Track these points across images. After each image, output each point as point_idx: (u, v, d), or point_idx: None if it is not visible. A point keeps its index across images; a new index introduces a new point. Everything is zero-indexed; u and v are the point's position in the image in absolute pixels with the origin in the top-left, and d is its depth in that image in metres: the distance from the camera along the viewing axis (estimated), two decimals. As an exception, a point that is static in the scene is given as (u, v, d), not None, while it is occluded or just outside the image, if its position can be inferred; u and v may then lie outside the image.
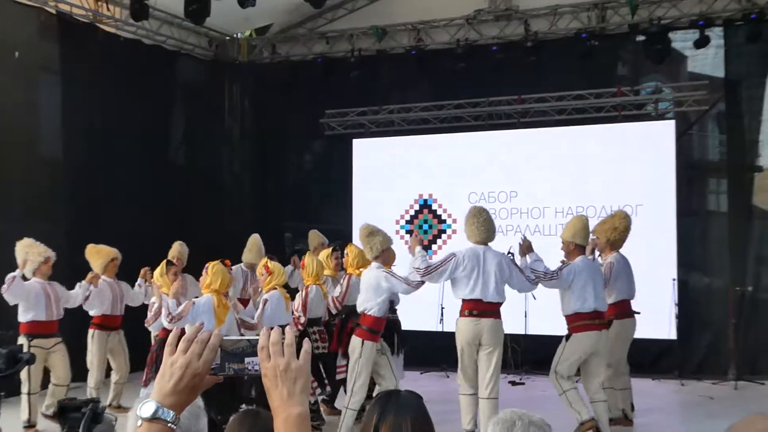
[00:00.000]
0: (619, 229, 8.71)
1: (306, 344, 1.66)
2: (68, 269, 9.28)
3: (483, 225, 7.72)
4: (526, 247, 7.94)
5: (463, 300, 7.66)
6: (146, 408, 1.62)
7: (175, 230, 11.51)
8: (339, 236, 12.96)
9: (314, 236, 11.03)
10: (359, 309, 7.85)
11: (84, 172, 11.29)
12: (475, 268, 7.58)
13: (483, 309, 7.58)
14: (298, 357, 1.65)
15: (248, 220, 13.59)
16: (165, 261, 8.21)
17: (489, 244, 7.77)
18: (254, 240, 10.36)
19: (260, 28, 14.34)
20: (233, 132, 14.54)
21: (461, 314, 7.69)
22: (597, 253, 8.65)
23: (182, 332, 1.68)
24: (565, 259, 8.14)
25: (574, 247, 8.01)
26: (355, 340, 7.75)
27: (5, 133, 10.33)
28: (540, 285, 7.99)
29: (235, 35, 14.27)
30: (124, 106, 11.81)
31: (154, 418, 1.61)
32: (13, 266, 8.37)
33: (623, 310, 8.62)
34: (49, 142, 11.31)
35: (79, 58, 11.27)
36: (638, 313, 8.84)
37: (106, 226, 10.84)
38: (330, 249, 9.48)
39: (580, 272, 7.82)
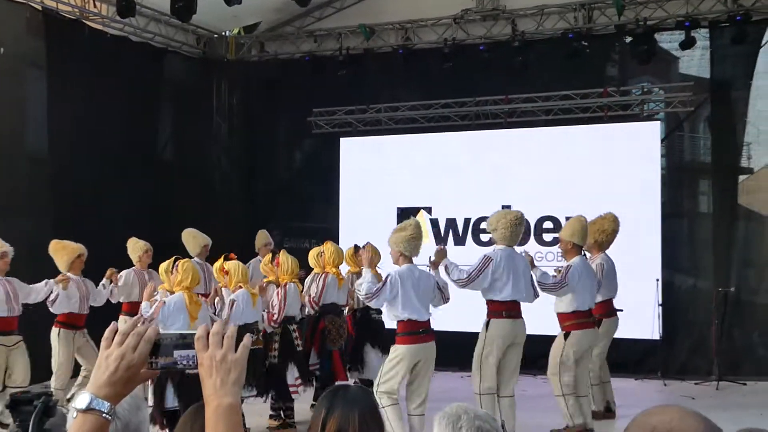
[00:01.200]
0: (607, 231, 8.85)
1: (246, 339, 1.69)
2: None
3: (521, 233, 7.80)
4: (530, 262, 7.98)
5: (497, 301, 7.58)
6: (81, 399, 1.64)
7: (162, 228, 11.51)
8: (326, 234, 12.96)
9: (261, 236, 11.12)
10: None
11: (69, 169, 11.25)
12: (511, 270, 7.56)
13: (517, 309, 7.65)
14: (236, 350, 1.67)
15: (237, 217, 13.61)
16: (174, 258, 7.88)
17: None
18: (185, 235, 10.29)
19: (248, 26, 14.34)
20: (221, 130, 14.53)
21: (495, 315, 7.59)
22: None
23: (117, 326, 1.72)
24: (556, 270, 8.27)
25: (572, 247, 8.15)
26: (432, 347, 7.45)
27: (-10, 129, 10.32)
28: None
29: (223, 33, 14.27)
30: (111, 103, 11.77)
31: (88, 409, 1.63)
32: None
33: (609, 309, 8.86)
34: (35, 139, 11.27)
35: (65, 54, 11.25)
36: (621, 310, 9.03)
37: (92, 224, 10.82)
38: (353, 248, 9.48)
39: (580, 272, 7.93)
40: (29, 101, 11.23)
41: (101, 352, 1.69)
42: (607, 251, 8.92)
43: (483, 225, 8.17)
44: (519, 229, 7.69)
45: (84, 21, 11.61)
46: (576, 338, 7.96)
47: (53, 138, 11.21)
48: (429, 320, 7.36)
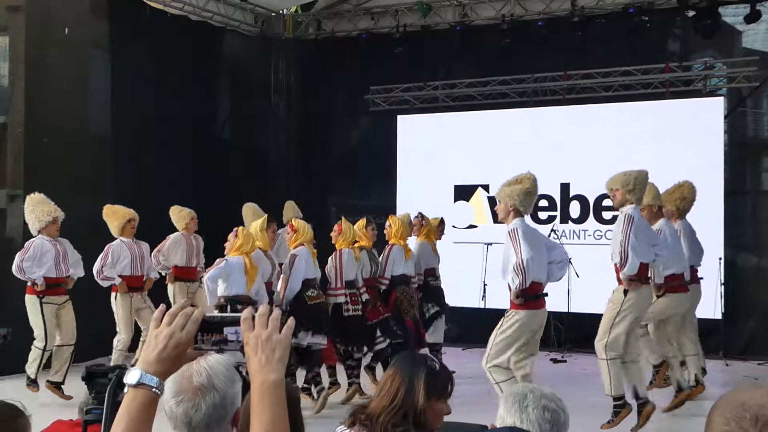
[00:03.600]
0: (687, 198, 8.80)
1: (290, 321, 1.75)
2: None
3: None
4: None
5: (646, 277, 7.17)
6: (131, 375, 1.74)
7: (221, 205, 11.67)
8: (383, 212, 12.99)
9: (290, 208, 11.28)
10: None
11: (132, 147, 11.46)
12: (642, 231, 7.18)
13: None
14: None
15: (294, 195, 13.63)
16: (266, 217, 8.36)
17: None
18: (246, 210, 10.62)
19: (306, 4, 14.34)
20: (279, 108, 14.63)
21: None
22: None
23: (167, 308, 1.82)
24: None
25: (657, 210, 8.02)
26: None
27: (55, 109, 10.54)
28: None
29: (280, 11, 14.31)
30: (171, 82, 11.94)
31: (138, 384, 1.73)
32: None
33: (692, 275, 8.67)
34: (98, 118, 11.48)
35: (127, 34, 11.41)
36: (701, 278, 8.95)
37: (153, 201, 11.01)
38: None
39: (671, 235, 7.86)
40: (92, 81, 11.43)
41: (150, 331, 1.79)
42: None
43: (613, 185, 7.37)
44: (646, 185, 7.37)
45: (145, 1, 11.74)
46: (669, 299, 7.80)
47: (116, 117, 11.43)
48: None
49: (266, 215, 8.53)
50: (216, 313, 1.80)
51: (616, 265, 7.13)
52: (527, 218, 7.22)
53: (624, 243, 6.93)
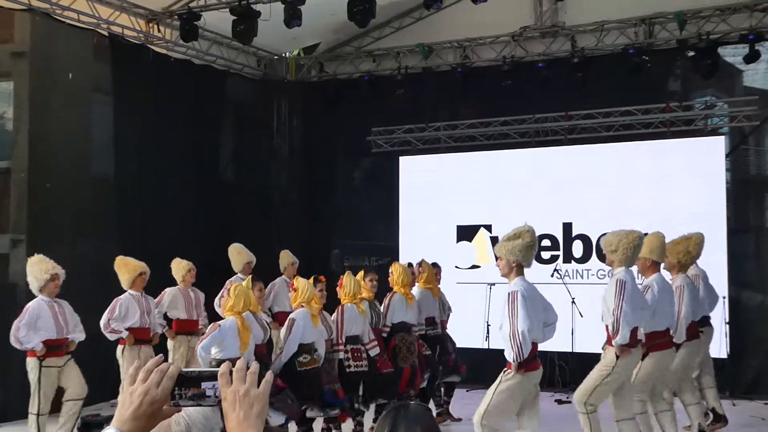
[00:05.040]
0: (692, 254, 8.54)
1: (268, 375, 1.74)
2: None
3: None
4: None
5: (637, 341, 7.11)
6: None
7: (225, 247, 11.65)
8: (387, 252, 13.04)
9: (286, 256, 11.18)
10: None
11: (135, 191, 11.49)
12: (637, 294, 7.15)
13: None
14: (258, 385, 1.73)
15: (297, 236, 13.72)
16: (250, 278, 8.03)
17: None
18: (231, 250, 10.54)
19: (308, 47, 14.52)
20: (281, 150, 14.71)
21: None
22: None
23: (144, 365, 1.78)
24: None
25: (651, 264, 7.80)
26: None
27: (59, 153, 10.60)
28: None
29: (283, 54, 14.45)
30: (174, 125, 12.02)
31: None
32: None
33: (690, 332, 8.41)
34: (101, 161, 11.50)
35: (130, 78, 11.49)
36: (702, 331, 8.73)
37: (156, 245, 11.02)
38: (406, 265, 9.55)
39: (659, 290, 7.66)
40: (96, 125, 11.48)
41: (125, 389, 1.76)
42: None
43: (601, 244, 7.42)
44: (639, 251, 7.27)
45: (149, 46, 11.87)
46: (655, 359, 7.60)
47: (119, 161, 11.45)
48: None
49: (251, 276, 8.17)
50: (193, 368, 1.79)
51: (607, 326, 7.12)
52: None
53: (617, 312, 6.88)
